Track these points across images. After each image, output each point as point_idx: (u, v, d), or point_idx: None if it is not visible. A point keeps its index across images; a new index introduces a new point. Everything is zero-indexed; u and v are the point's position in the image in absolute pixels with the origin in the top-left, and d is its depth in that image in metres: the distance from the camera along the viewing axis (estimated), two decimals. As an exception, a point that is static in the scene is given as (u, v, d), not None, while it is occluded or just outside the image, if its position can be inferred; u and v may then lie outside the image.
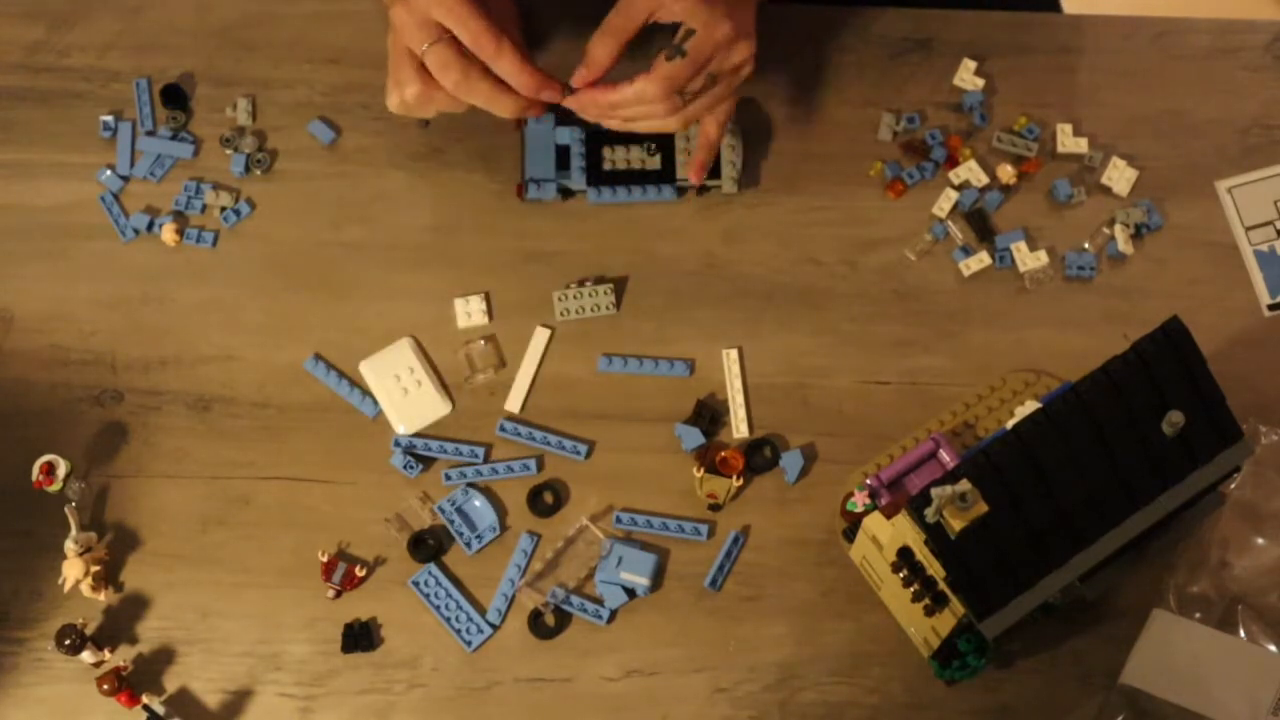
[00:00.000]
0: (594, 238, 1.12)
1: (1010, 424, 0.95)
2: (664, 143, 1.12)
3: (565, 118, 1.09)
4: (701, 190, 1.12)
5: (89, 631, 1.01)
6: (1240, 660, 0.97)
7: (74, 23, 1.19)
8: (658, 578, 1.04)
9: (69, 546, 1.02)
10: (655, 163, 1.12)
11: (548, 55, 1.16)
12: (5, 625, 1.04)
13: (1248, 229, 1.12)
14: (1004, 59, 1.17)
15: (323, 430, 1.08)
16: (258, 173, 1.15)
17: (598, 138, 1.11)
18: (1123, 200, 1.13)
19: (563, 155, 1.12)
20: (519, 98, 1.01)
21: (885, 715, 1.01)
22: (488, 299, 1.11)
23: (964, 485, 0.85)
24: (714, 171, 1.11)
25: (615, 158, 1.12)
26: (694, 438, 1.07)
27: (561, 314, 1.10)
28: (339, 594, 1.04)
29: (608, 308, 1.10)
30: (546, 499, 1.06)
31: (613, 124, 1.04)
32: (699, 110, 1.03)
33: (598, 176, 1.11)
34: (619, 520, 1.05)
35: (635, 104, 1.01)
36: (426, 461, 1.07)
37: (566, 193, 1.12)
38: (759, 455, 1.06)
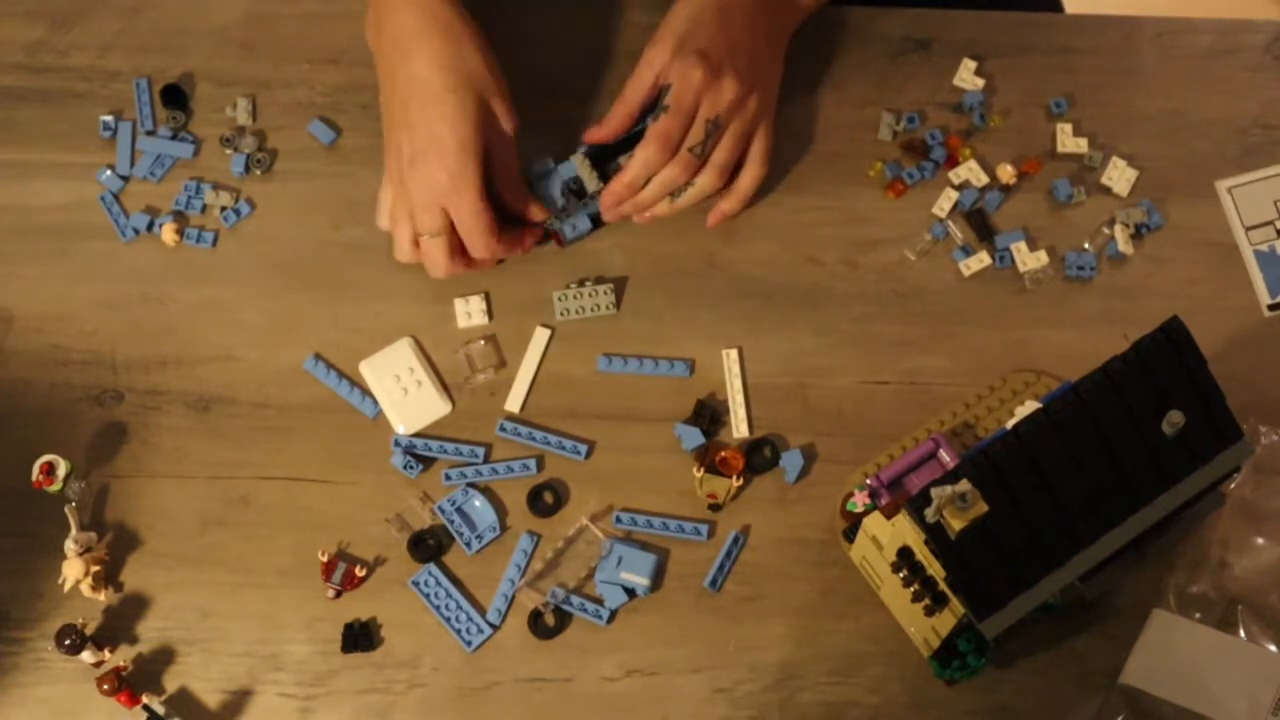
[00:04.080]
0: (594, 238, 1.12)
1: (1010, 424, 0.95)
2: None
3: (561, 153, 1.12)
4: None
5: (89, 631, 1.01)
6: (1240, 660, 0.97)
7: (74, 23, 1.19)
8: (658, 578, 1.04)
9: (69, 546, 1.02)
10: None
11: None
12: (5, 625, 1.04)
13: (1248, 229, 1.12)
14: (1004, 59, 1.17)
15: (323, 430, 1.08)
16: (258, 173, 1.15)
17: (600, 159, 1.11)
18: (1123, 200, 1.13)
19: (577, 184, 1.11)
20: (474, 265, 1.09)
21: (885, 715, 1.01)
22: (488, 299, 1.11)
23: (964, 485, 0.85)
24: None
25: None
26: (694, 438, 1.07)
27: (561, 314, 1.10)
28: (339, 594, 1.04)
29: (608, 308, 1.10)
30: (546, 499, 1.06)
31: (660, 210, 1.10)
32: (724, 157, 1.08)
33: None
34: (619, 520, 1.05)
35: (645, 173, 1.07)
36: (426, 461, 1.07)
37: (597, 221, 1.12)
38: (759, 455, 1.06)
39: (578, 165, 1.10)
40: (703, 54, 1.05)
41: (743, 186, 1.10)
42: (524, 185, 1.09)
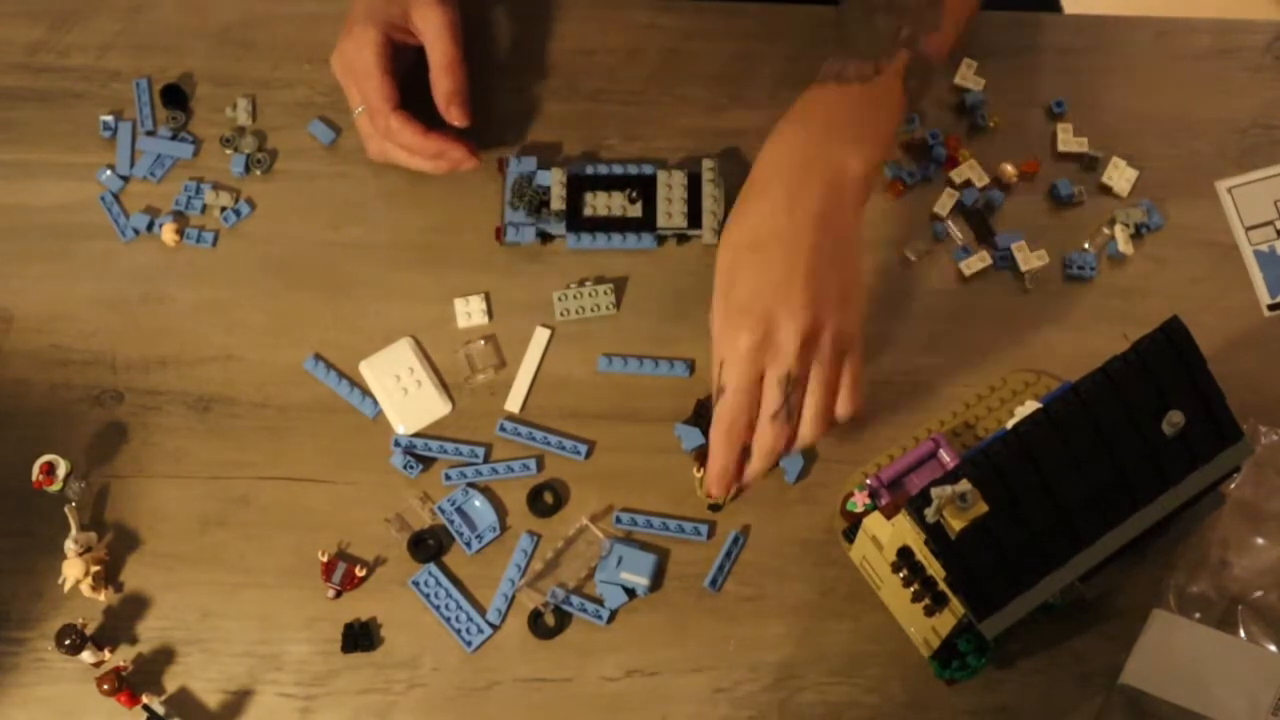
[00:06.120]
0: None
1: (1010, 424, 0.95)
2: (646, 191, 1.11)
3: (547, 161, 1.12)
4: (682, 239, 1.12)
5: (89, 631, 1.01)
6: (1240, 660, 0.97)
7: (74, 23, 1.19)
8: (658, 578, 1.04)
9: (69, 546, 1.02)
10: (636, 210, 1.11)
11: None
12: (5, 625, 1.04)
13: (1248, 229, 1.12)
14: (1004, 59, 1.17)
15: (323, 430, 1.08)
16: (258, 173, 1.15)
17: (580, 183, 1.11)
18: (1123, 200, 1.13)
19: (546, 194, 1.11)
20: (439, 161, 1.08)
21: (885, 715, 1.01)
22: (488, 299, 1.11)
23: (964, 485, 0.85)
24: (695, 220, 1.10)
25: (596, 204, 1.11)
26: (694, 438, 1.06)
27: (561, 314, 1.10)
28: (339, 594, 1.04)
29: (608, 308, 1.10)
30: (546, 499, 1.06)
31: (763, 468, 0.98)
32: (818, 401, 0.96)
33: (578, 222, 1.11)
34: (619, 520, 1.05)
35: (725, 459, 0.97)
36: (426, 461, 1.07)
37: (545, 236, 1.12)
38: (759, 455, 1.06)
39: (553, 179, 1.11)
40: (744, 310, 0.94)
41: (809, 439, 0.98)
42: (456, 85, 1.07)
